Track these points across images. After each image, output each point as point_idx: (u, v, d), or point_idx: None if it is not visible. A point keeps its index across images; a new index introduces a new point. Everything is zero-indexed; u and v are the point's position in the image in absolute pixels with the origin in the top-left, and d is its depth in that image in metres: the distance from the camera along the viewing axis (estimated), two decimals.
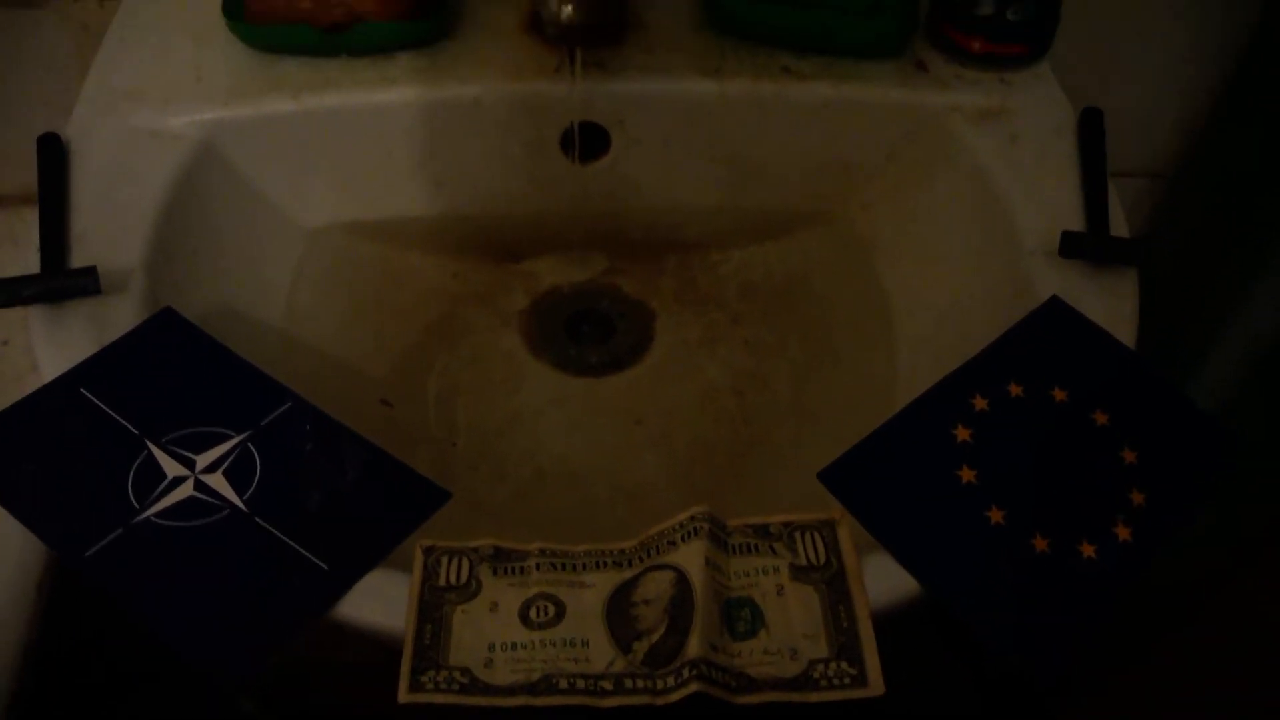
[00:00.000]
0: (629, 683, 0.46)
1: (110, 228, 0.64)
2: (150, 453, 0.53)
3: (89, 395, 0.55)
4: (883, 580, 0.51)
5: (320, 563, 0.49)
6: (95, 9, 0.81)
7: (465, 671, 0.47)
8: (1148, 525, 0.54)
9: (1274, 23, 0.86)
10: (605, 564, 0.50)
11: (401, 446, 0.59)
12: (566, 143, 0.73)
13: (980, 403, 0.57)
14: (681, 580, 0.49)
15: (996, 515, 0.53)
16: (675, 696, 0.45)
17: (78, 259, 0.62)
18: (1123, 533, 0.53)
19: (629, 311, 0.76)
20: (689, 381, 0.73)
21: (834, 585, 0.49)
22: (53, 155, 0.66)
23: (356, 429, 0.57)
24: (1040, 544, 0.53)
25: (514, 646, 0.47)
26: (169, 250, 0.65)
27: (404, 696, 0.46)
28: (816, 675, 0.47)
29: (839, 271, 0.76)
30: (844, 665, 0.47)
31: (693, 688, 0.45)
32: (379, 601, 0.50)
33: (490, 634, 0.48)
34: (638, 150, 0.74)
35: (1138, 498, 0.55)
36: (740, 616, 0.48)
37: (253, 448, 0.53)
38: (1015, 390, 0.58)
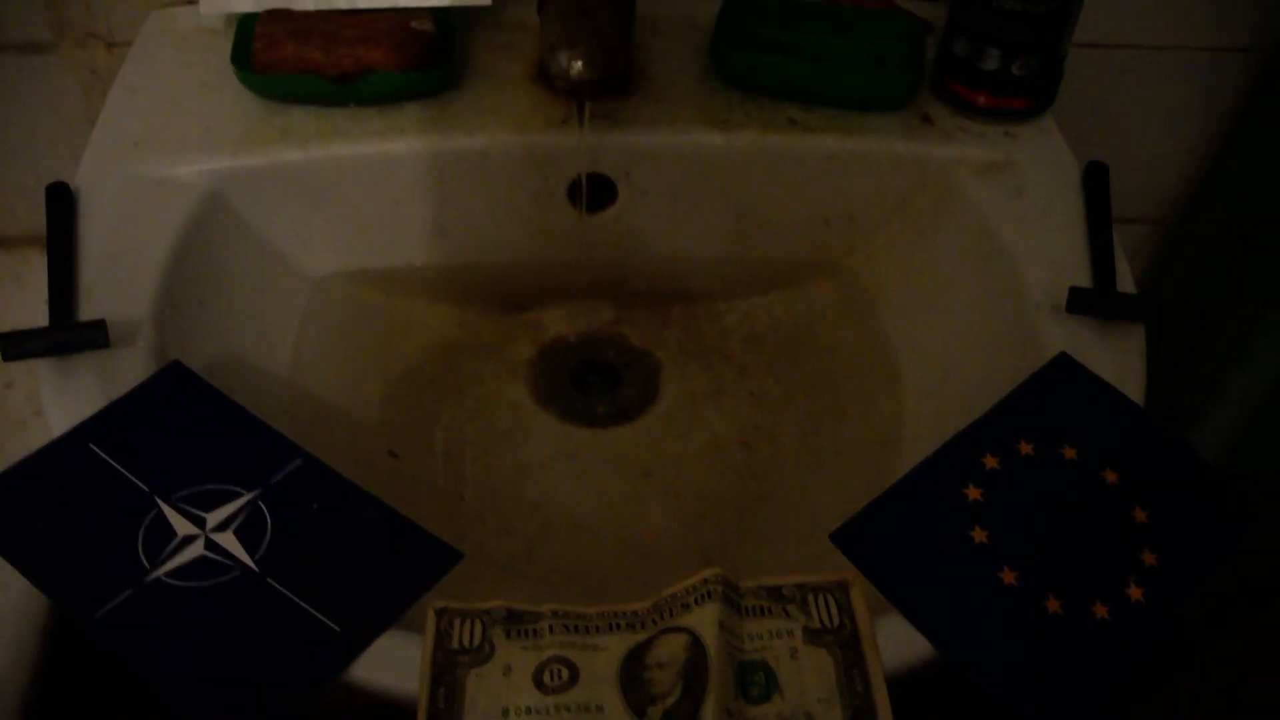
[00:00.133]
0: None
1: (118, 278, 0.64)
2: (160, 511, 0.53)
3: (98, 451, 0.55)
4: (896, 643, 0.51)
5: (332, 625, 0.49)
6: (104, 54, 0.82)
7: None
8: (1160, 585, 0.54)
9: (1272, 75, 0.87)
10: (619, 626, 0.50)
11: (409, 499, 0.59)
12: (573, 193, 0.74)
13: (991, 461, 0.58)
14: (695, 644, 0.48)
15: (1009, 576, 0.53)
16: None
17: (86, 310, 0.62)
18: (1135, 593, 0.53)
19: (635, 362, 0.76)
20: (696, 433, 0.73)
21: (848, 648, 0.49)
22: (61, 204, 0.66)
23: (364, 481, 0.57)
24: (1053, 605, 0.53)
25: (528, 711, 0.47)
26: (176, 301, 0.65)
27: None
28: None
29: (844, 323, 0.76)
30: None
31: None
32: (392, 664, 0.49)
33: (504, 698, 0.48)
34: (644, 201, 0.74)
35: (1149, 558, 0.55)
36: (754, 680, 0.48)
37: (263, 506, 0.53)
38: (1025, 448, 0.58)
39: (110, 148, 0.70)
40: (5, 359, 0.58)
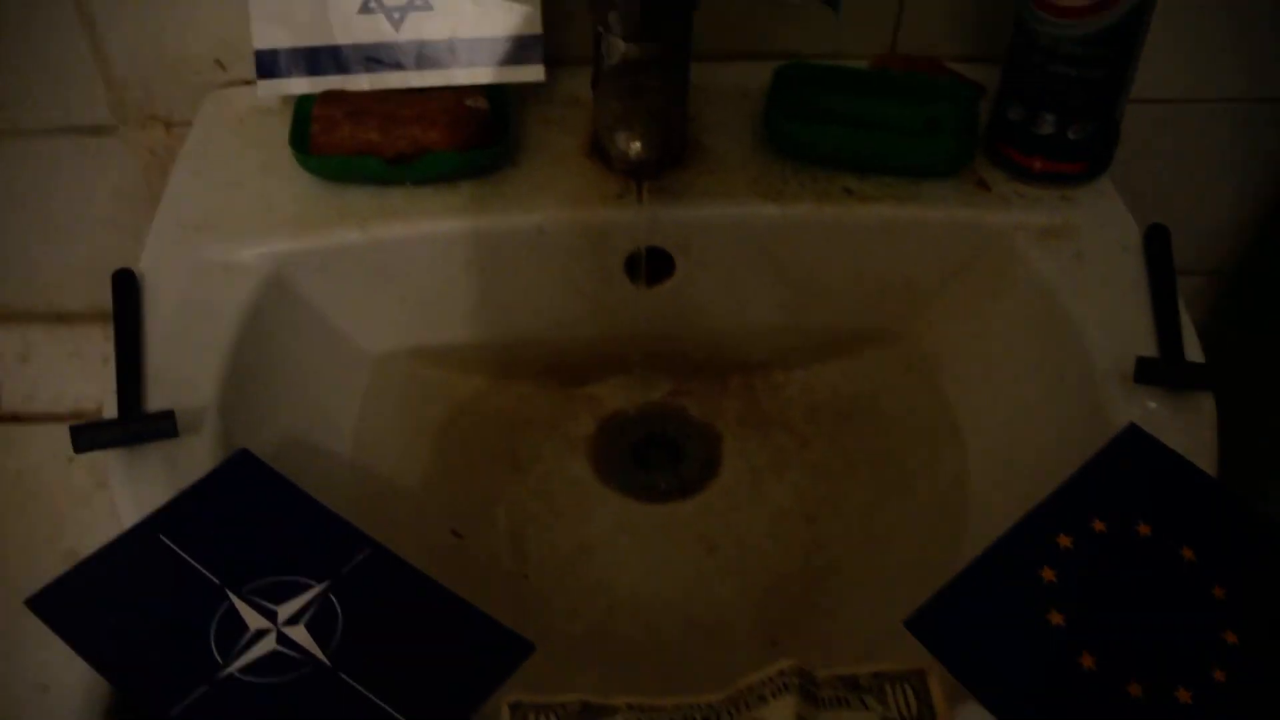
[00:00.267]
0: None
1: (184, 365, 0.65)
2: (232, 604, 0.53)
3: (168, 542, 0.55)
4: None
5: None
6: (162, 135, 0.83)
7: None
8: (1243, 666, 0.53)
9: None
10: (694, 719, 0.50)
11: (475, 581, 0.59)
12: (630, 267, 0.74)
13: (1065, 541, 0.57)
14: None
15: (1088, 661, 0.52)
16: None
17: (154, 398, 0.63)
18: (1218, 675, 0.52)
19: (695, 435, 0.76)
20: (759, 508, 0.72)
21: None
22: (127, 291, 0.67)
23: (429, 562, 0.56)
24: (1135, 690, 0.52)
25: None
26: (241, 386, 0.65)
27: None
28: None
29: (905, 392, 0.76)
30: None
31: None
32: None
33: None
34: (702, 273, 0.74)
35: (1231, 637, 0.54)
36: None
37: (334, 598, 0.53)
38: (1099, 526, 0.58)
39: (173, 232, 0.71)
40: (77, 451, 0.58)
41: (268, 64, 0.75)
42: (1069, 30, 0.69)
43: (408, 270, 0.72)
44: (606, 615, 0.67)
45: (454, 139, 0.72)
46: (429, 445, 0.73)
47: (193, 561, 0.55)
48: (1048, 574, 0.55)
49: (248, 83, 0.81)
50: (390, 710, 0.49)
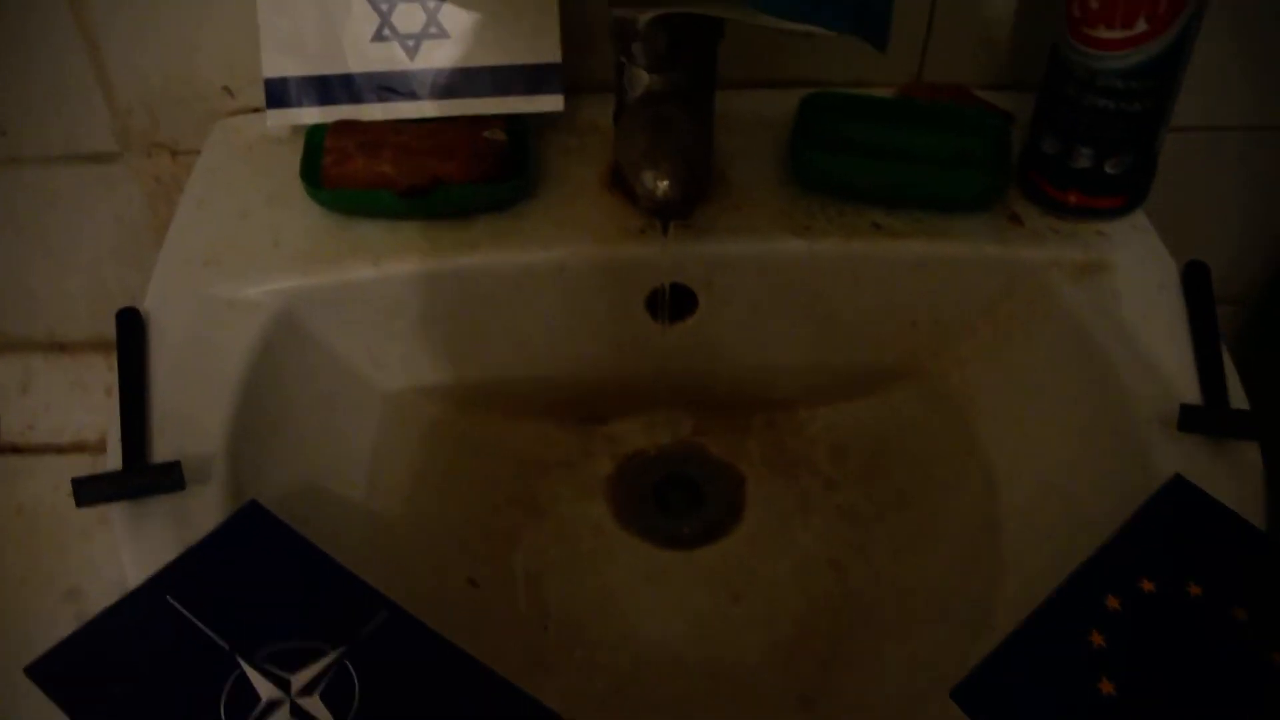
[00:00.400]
0: None
1: (191, 408, 0.62)
2: (243, 672, 0.50)
3: (175, 604, 0.52)
4: None
5: None
6: (169, 163, 0.80)
7: None
8: None
9: None
10: None
11: (492, 632, 0.56)
12: (652, 304, 0.71)
13: (1113, 603, 0.54)
14: None
15: None
16: None
17: (159, 445, 0.60)
18: None
19: (717, 476, 0.73)
20: (785, 554, 0.69)
21: None
22: (131, 332, 0.64)
23: (446, 613, 0.54)
24: None
25: None
26: (249, 429, 0.62)
27: None
28: None
29: (933, 432, 0.73)
30: None
31: None
32: None
33: None
34: (725, 310, 0.71)
35: None
36: None
37: (350, 665, 0.50)
38: (1147, 586, 0.55)
39: (179, 267, 0.68)
40: (79, 505, 0.55)
41: (278, 93, 0.72)
42: (1108, 63, 0.66)
43: (422, 307, 0.69)
44: (630, 670, 0.64)
45: (471, 172, 0.69)
46: (444, 487, 0.70)
47: (201, 625, 0.52)
48: (1096, 639, 0.52)
49: (257, 110, 0.78)
50: None
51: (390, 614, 0.53)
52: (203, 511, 0.58)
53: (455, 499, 0.70)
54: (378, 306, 0.69)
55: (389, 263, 0.68)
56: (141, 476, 0.56)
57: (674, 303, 0.71)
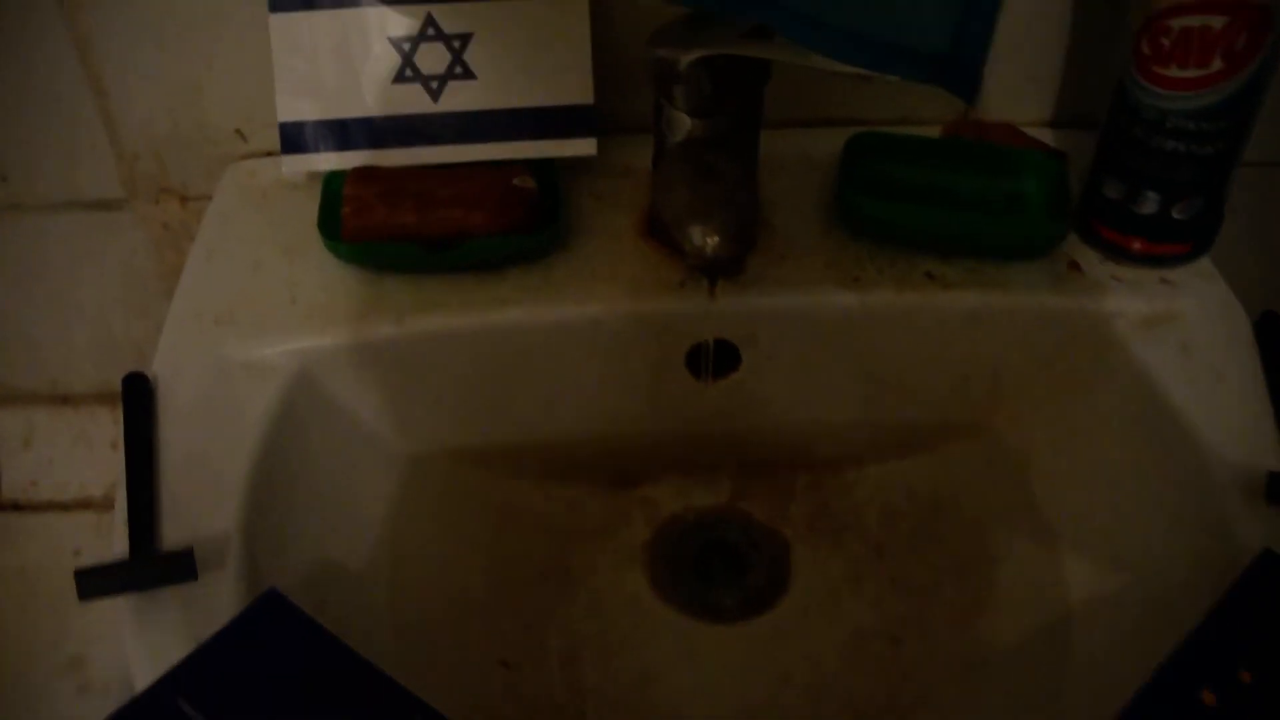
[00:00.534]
0: None
1: (203, 484, 0.57)
2: None
3: (187, 709, 0.47)
4: None
5: None
6: (178, 209, 0.75)
7: None
8: None
9: None
10: None
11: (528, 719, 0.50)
12: (692, 361, 0.66)
13: (1209, 698, 0.48)
14: None
15: None
16: None
17: (169, 527, 0.55)
18: None
19: (761, 542, 0.68)
20: (837, 628, 0.64)
21: None
22: (138, 400, 0.58)
23: (478, 698, 0.50)
24: None
25: None
26: (266, 504, 0.57)
27: None
28: None
29: (990, 493, 0.67)
30: None
31: None
32: None
33: None
34: (770, 366, 0.66)
35: None
36: None
37: None
38: (1246, 677, 0.49)
39: (190, 326, 0.63)
40: (82, 599, 0.50)
41: (293, 138, 0.67)
42: (1180, 103, 0.61)
43: (448, 366, 0.64)
44: None
45: (499, 222, 0.63)
46: (471, 560, 0.65)
47: None
48: None
49: (271, 154, 0.73)
50: None
51: (425, 718, 0.47)
52: (217, 600, 0.53)
53: (483, 571, 0.65)
54: (401, 367, 0.64)
55: (413, 320, 0.63)
56: (150, 566, 0.51)
57: (716, 358, 0.66)
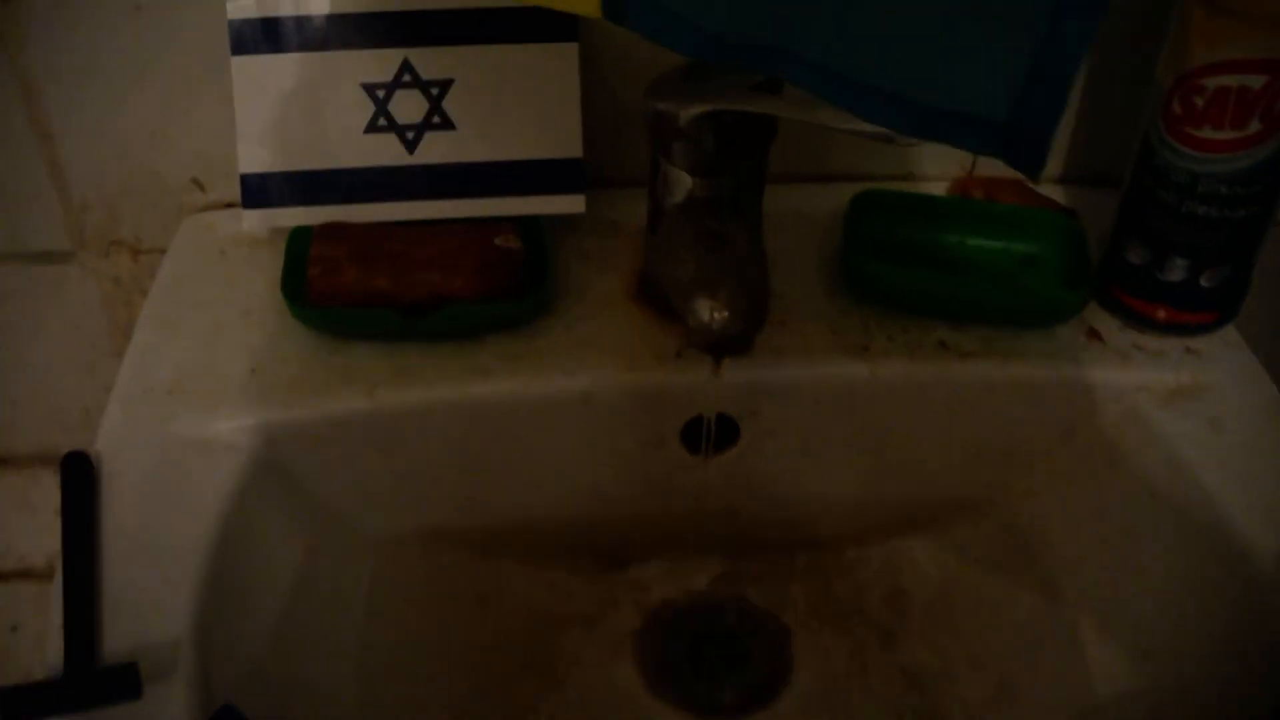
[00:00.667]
0: None
1: (151, 581, 0.50)
2: None
3: None
4: None
5: None
6: (129, 263, 0.68)
7: None
8: None
9: None
10: None
11: None
12: (688, 435, 0.59)
13: None
14: None
15: None
16: None
17: (111, 633, 0.48)
18: None
19: (759, 629, 0.62)
20: None
21: None
22: (79, 485, 0.51)
23: None
24: None
25: None
26: (221, 602, 0.50)
27: None
28: None
29: (1004, 574, 0.62)
30: None
31: None
32: None
33: None
34: (770, 441, 0.60)
35: None
36: None
37: None
38: None
39: (138, 398, 0.56)
40: None
41: (256, 191, 0.60)
42: (1213, 166, 0.56)
43: (423, 442, 0.58)
44: None
45: (481, 286, 0.57)
46: (450, 653, 0.58)
47: None
48: None
49: (231, 206, 0.66)
50: None
51: None
52: (165, 717, 0.45)
53: (462, 665, 0.58)
54: (372, 443, 0.57)
55: (385, 393, 0.56)
56: (89, 683, 0.44)
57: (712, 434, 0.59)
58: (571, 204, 0.61)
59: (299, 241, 0.60)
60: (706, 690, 0.60)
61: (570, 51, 0.59)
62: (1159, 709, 0.55)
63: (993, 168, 0.70)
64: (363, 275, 0.57)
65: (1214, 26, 0.53)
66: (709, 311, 0.47)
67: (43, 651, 0.57)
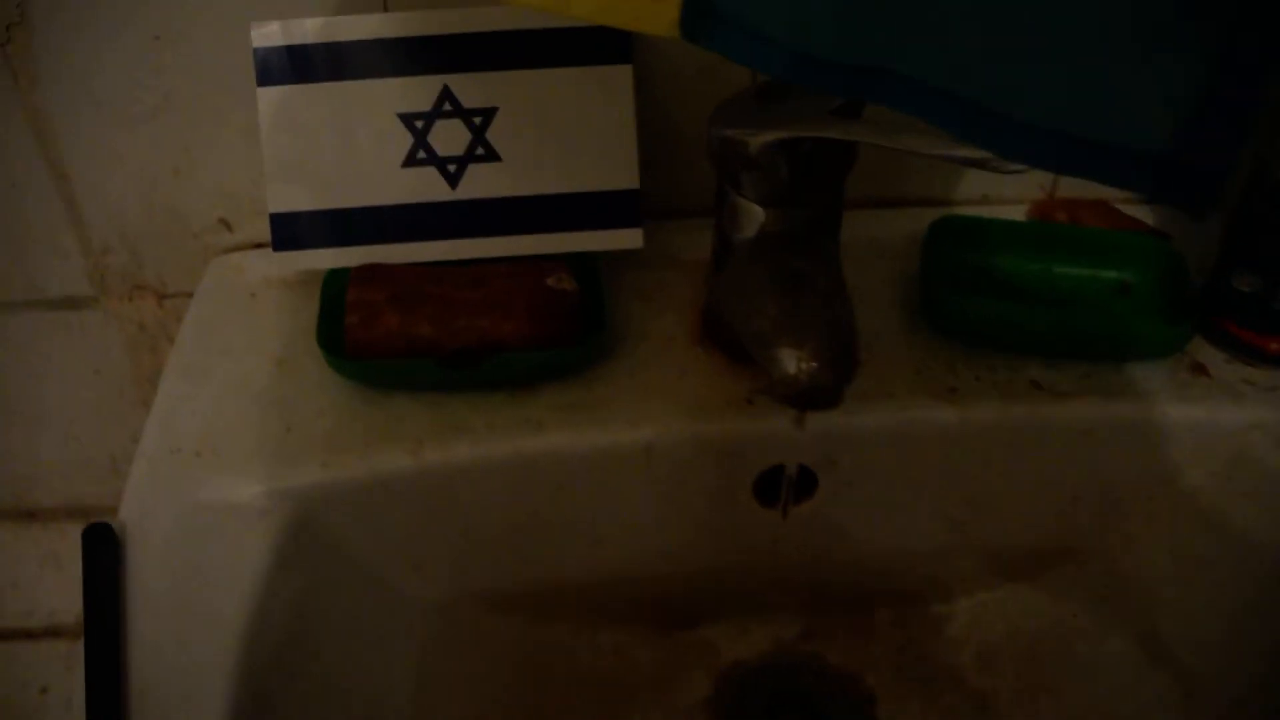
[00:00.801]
0: None
1: (181, 665, 0.45)
2: None
3: None
4: None
5: None
6: (153, 308, 0.63)
7: None
8: None
9: None
10: None
11: None
12: (761, 487, 0.53)
13: None
14: None
15: None
16: None
17: None
18: None
19: (840, 693, 0.56)
20: None
21: None
22: (102, 560, 0.46)
23: None
24: None
25: None
26: (258, 686, 0.45)
27: None
28: None
29: (1106, 626, 0.56)
30: None
31: None
32: None
33: None
34: (850, 491, 0.54)
35: None
36: None
37: None
38: None
39: (165, 460, 0.51)
40: None
41: (286, 231, 0.54)
42: None
43: (474, 501, 0.52)
44: None
45: (533, 331, 0.51)
46: None
47: None
48: None
49: (260, 246, 0.60)
50: None
51: None
52: None
53: None
54: (419, 505, 0.51)
55: (432, 450, 0.50)
56: None
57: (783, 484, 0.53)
58: (629, 239, 0.55)
59: (335, 284, 0.54)
60: None
61: (624, 74, 0.53)
62: None
63: (1075, 188, 0.63)
64: (404, 322, 0.51)
65: None
66: (795, 362, 0.41)
67: (72, 716, 0.51)
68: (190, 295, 0.60)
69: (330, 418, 0.52)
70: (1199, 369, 0.55)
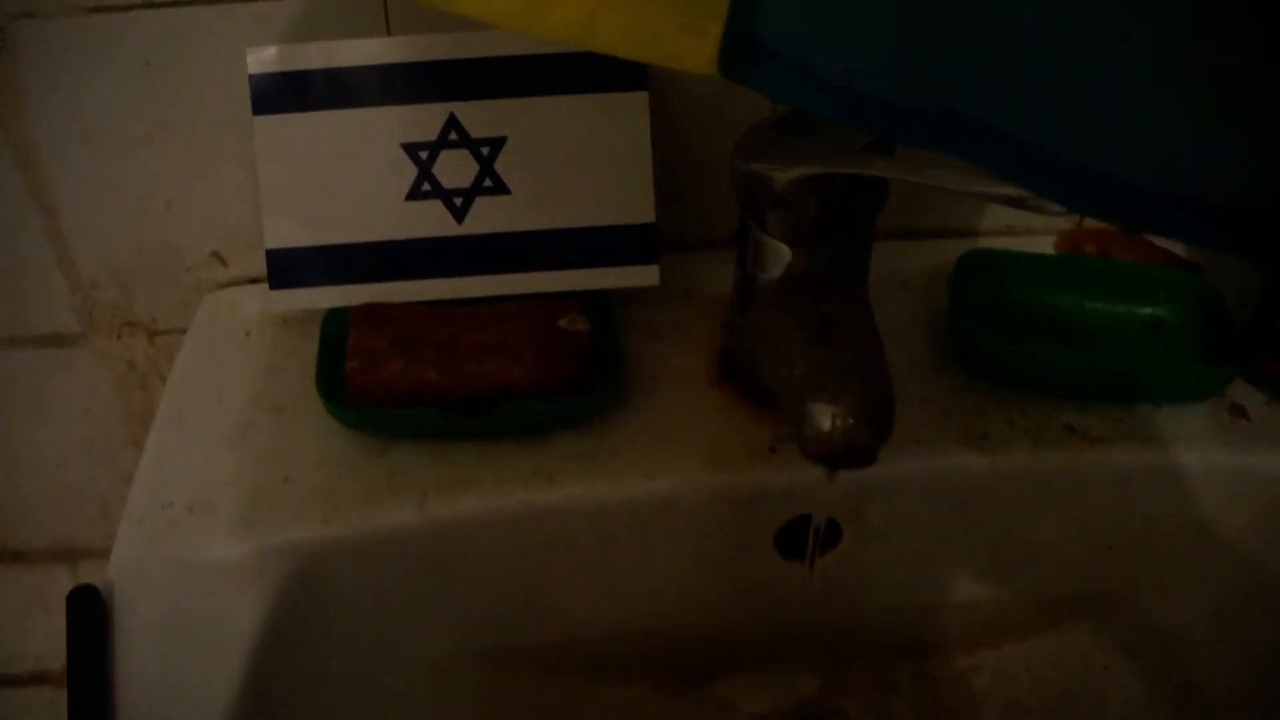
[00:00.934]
0: None
1: None
2: None
3: None
4: None
5: None
6: (144, 345, 0.59)
7: None
8: None
9: None
10: None
11: None
12: (783, 540, 0.50)
13: None
14: None
15: None
16: None
17: None
18: None
19: None
20: None
21: None
22: (87, 625, 0.42)
23: None
24: None
25: None
26: None
27: None
28: None
29: (1135, 682, 0.52)
30: None
31: None
32: None
33: None
34: (875, 543, 0.51)
35: None
36: None
37: None
38: None
39: (155, 517, 0.47)
40: None
41: (283, 268, 0.51)
42: None
43: (481, 557, 0.48)
44: None
45: (544, 376, 0.47)
46: None
47: None
48: None
49: (256, 281, 0.56)
50: None
51: None
52: None
53: None
54: (424, 559, 0.48)
55: (438, 503, 0.47)
56: None
57: (807, 536, 0.50)
58: (644, 276, 0.51)
59: (334, 324, 0.51)
60: None
61: (639, 101, 0.50)
62: None
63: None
64: (408, 367, 0.48)
65: None
66: (830, 419, 0.38)
67: None
68: (182, 332, 0.57)
69: (331, 468, 0.48)
70: (1238, 411, 0.52)
